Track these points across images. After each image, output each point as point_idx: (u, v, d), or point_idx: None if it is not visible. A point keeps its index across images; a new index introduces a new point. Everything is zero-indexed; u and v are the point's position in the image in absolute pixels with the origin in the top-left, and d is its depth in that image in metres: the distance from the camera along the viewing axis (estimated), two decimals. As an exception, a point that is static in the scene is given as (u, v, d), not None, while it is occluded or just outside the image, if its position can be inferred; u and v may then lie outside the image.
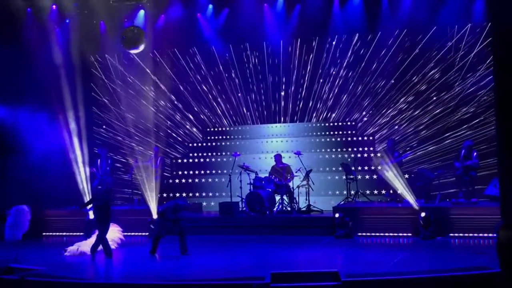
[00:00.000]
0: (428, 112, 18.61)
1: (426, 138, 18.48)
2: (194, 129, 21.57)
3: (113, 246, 13.54)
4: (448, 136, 18.03)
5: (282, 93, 20.82)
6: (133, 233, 16.09)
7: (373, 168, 17.85)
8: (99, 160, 18.02)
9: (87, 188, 16.74)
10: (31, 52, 16.84)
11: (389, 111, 19.40)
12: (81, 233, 15.72)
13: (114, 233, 13.97)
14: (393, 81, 19.22)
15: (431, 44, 18.47)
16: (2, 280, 10.22)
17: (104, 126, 20.75)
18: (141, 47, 16.02)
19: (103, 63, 20.71)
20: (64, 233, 17.04)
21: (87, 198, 16.50)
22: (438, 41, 18.34)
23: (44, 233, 17.32)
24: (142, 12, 19.10)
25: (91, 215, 15.82)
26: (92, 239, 13.61)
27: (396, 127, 19.12)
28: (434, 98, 18.62)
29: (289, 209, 16.64)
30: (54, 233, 17.27)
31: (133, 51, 16.61)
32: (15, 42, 16.44)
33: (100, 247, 13.11)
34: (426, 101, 18.75)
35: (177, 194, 18.92)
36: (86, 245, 13.59)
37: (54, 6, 18.26)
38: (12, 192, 16.39)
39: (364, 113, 19.99)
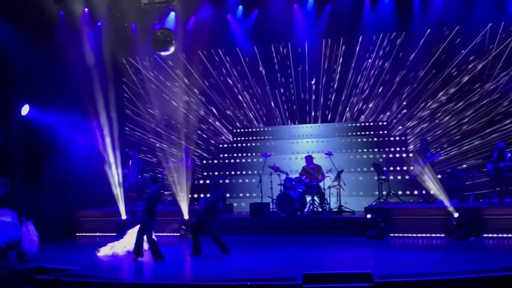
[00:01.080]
0: (461, 111, 18.40)
1: (460, 137, 18.27)
2: (224, 130, 21.61)
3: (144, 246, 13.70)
4: (483, 136, 17.80)
5: (313, 93, 20.74)
6: (164, 234, 16.16)
7: (405, 168, 17.71)
8: (130, 161, 18.18)
9: (119, 189, 16.86)
10: (64, 54, 17.03)
11: (421, 111, 19.23)
12: (114, 234, 15.86)
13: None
14: (425, 80, 19.04)
15: (464, 41, 18.21)
16: (36, 280, 10.38)
17: (135, 127, 20.89)
18: (172, 49, 16.07)
19: (134, 65, 20.86)
20: (97, 234, 17.20)
21: (119, 199, 16.61)
22: (471, 37, 18.08)
23: (77, 234, 17.50)
24: (172, 14, 19.18)
25: (124, 216, 16.01)
26: (125, 240, 13.75)
27: (437, 120, 18.87)
28: (468, 97, 18.39)
29: (320, 209, 16.59)
30: (87, 234, 17.43)
31: (163, 53, 16.68)
32: (48, 45, 16.64)
33: (131, 248, 13.25)
34: (458, 100, 18.54)
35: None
36: (118, 246, 13.71)
37: (86, 9, 18.41)
38: (46, 194, 16.63)
39: (396, 111, 19.83)
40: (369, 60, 19.92)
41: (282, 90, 21.03)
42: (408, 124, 19.57)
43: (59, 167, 16.22)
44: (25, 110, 16.12)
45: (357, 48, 19.99)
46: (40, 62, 16.16)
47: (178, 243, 15.28)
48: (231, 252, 12.76)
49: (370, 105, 20.16)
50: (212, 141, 21.47)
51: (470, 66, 18.35)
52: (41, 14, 16.63)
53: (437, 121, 18.89)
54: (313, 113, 20.86)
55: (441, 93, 18.89)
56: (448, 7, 17.79)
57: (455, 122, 18.50)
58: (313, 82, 20.60)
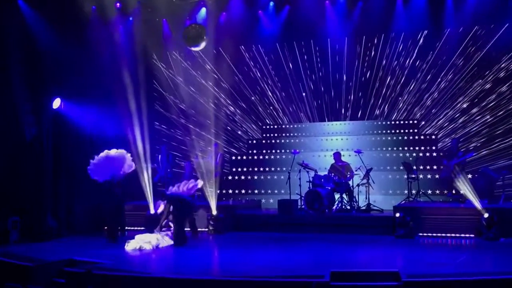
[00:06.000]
0: (494, 110, 18.22)
1: (492, 137, 18.09)
2: (253, 126, 21.63)
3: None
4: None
5: (343, 91, 20.68)
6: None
7: (435, 167, 17.55)
8: (160, 156, 18.25)
9: (148, 184, 16.92)
10: (95, 49, 17.14)
11: (452, 110, 19.07)
12: (143, 228, 15.96)
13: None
14: (457, 79, 18.89)
15: (498, 39, 18.00)
16: (66, 272, 10.44)
17: (164, 122, 20.98)
18: (203, 45, 16.09)
19: (164, 60, 20.94)
20: (126, 228, 17.24)
21: (148, 193, 16.68)
22: (505, 36, 17.84)
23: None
24: (204, 9, 19.25)
25: (152, 211, 16.07)
26: (154, 234, 13.83)
27: (467, 120, 18.68)
28: (500, 97, 18.19)
29: (348, 207, 16.48)
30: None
31: (194, 49, 16.71)
32: (80, 39, 16.75)
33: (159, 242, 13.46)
34: (490, 100, 18.34)
35: (236, 191, 19.07)
36: (146, 240, 13.76)
37: (118, 4, 18.53)
38: (76, 187, 16.77)
39: (427, 110, 19.69)
40: (401, 58, 19.80)
41: (312, 87, 21.00)
42: (438, 123, 19.41)
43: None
44: (56, 104, 16.28)
45: (389, 46, 19.90)
46: (71, 56, 16.28)
47: (206, 238, 15.32)
48: (259, 249, 12.73)
49: (401, 103, 20.05)
50: (241, 137, 21.50)
51: (503, 65, 18.13)
52: (73, 8, 16.73)
53: (467, 120, 18.72)
54: (343, 111, 20.80)
55: (472, 93, 18.72)
56: (481, 5, 17.58)
57: (487, 122, 18.32)
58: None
